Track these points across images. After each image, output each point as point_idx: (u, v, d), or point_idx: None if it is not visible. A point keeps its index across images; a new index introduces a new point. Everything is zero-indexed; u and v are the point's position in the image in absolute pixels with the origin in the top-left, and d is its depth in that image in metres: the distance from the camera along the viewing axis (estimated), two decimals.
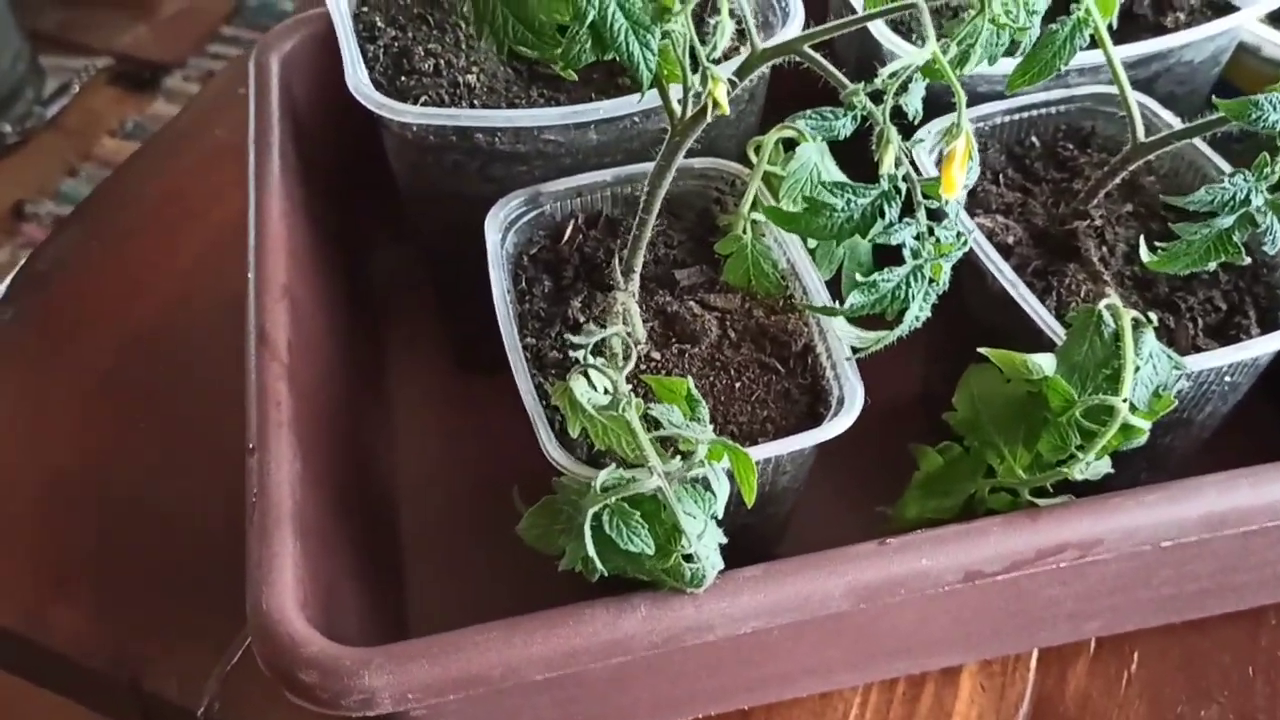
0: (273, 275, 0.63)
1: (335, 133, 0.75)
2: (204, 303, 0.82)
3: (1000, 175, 0.69)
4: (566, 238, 0.66)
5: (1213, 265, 0.54)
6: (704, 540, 0.49)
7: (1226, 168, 0.64)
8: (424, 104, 0.67)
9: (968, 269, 0.63)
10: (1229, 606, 0.66)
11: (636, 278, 0.59)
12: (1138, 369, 0.55)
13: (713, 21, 0.57)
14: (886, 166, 0.47)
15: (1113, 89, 0.68)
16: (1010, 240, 0.64)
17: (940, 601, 0.57)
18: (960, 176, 0.47)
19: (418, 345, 0.80)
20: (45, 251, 0.87)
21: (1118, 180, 0.65)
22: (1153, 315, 0.56)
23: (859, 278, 0.49)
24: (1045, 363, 0.57)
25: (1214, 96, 0.65)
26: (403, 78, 0.68)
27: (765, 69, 0.67)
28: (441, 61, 0.69)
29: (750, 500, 0.50)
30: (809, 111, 0.48)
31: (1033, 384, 0.56)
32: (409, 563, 0.69)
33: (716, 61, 0.52)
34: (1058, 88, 0.70)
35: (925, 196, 0.49)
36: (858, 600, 0.51)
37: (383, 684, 0.48)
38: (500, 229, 0.64)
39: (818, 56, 0.51)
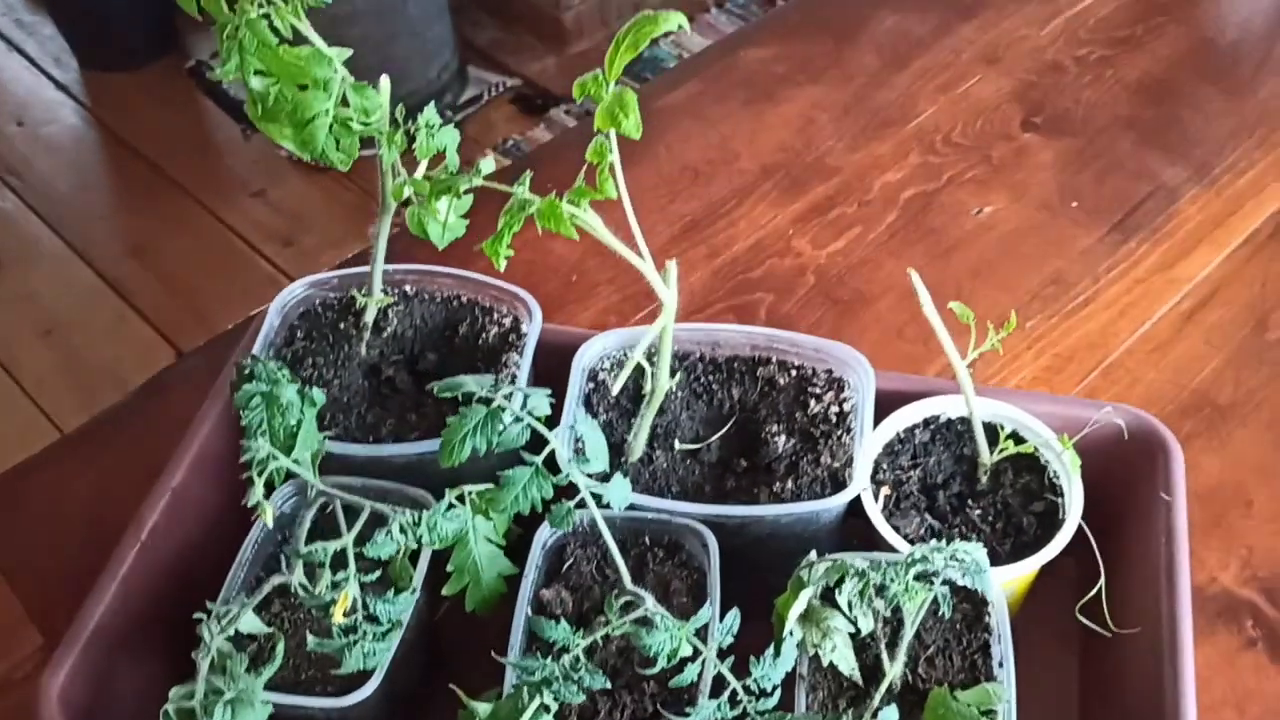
0: (167, 477, 1.08)
1: None
2: None
3: (598, 561, 1.00)
4: None
5: None
6: None
7: None
8: None
9: None
10: None
11: None
12: None
13: None
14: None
15: (693, 523, 0.98)
16: (559, 612, 0.96)
17: None
18: (339, 610, 0.83)
19: None
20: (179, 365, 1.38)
21: None
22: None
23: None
24: (482, 709, 0.90)
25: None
26: None
27: None
28: (318, 373, 1.10)
29: None
30: None
31: None
32: None
33: None
34: (664, 511, 0.99)
35: None
36: None
37: None
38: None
39: None
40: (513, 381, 1.08)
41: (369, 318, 1.11)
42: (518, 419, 0.88)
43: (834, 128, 1.57)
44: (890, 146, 1.55)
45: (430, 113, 0.99)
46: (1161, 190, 1.46)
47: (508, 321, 1.13)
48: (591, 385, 1.08)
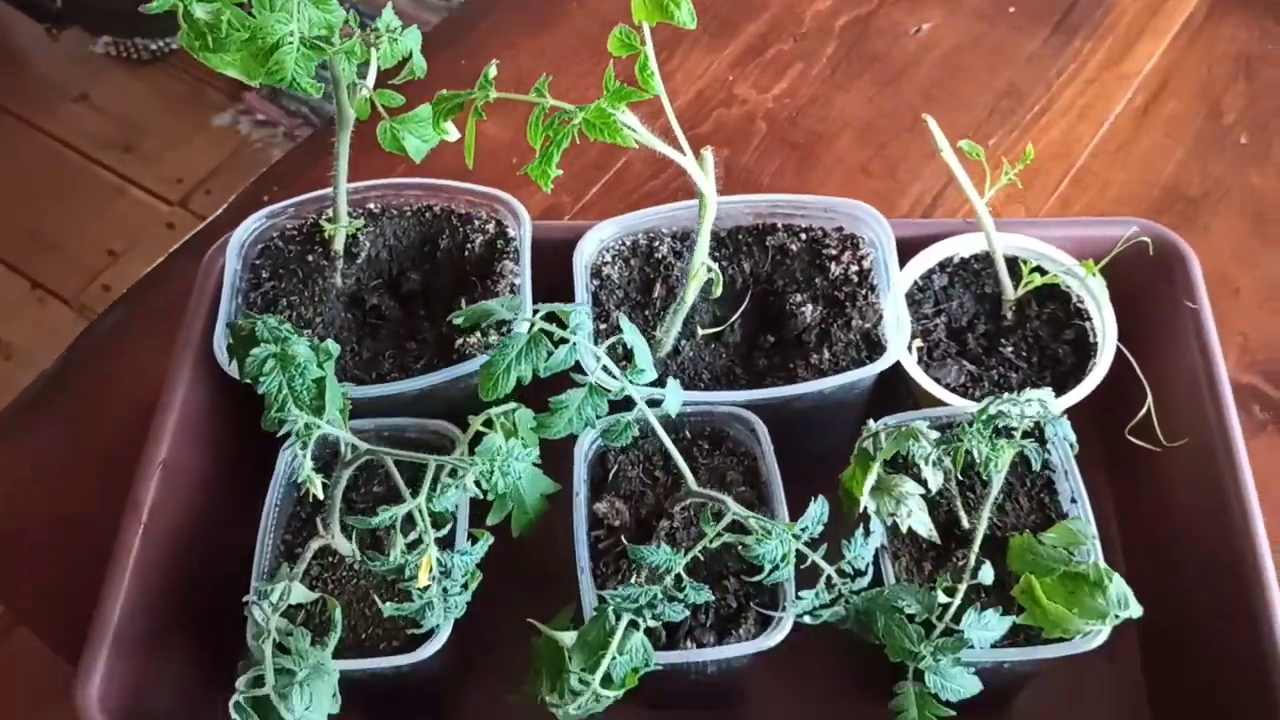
0: (153, 451, 0.98)
1: None
2: None
3: (644, 465, 0.96)
4: None
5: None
6: None
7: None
8: None
9: None
10: None
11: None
12: (614, 657, 0.84)
13: None
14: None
15: (738, 410, 0.94)
16: (617, 523, 0.93)
17: None
18: (424, 574, 0.78)
19: None
20: (98, 325, 1.26)
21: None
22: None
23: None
24: (568, 638, 0.86)
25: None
26: None
27: None
28: (295, 314, 1.01)
29: None
30: None
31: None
32: None
33: None
34: (703, 403, 0.95)
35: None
36: None
37: None
38: None
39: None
40: (513, 291, 1.01)
41: (339, 245, 1.02)
42: (563, 340, 0.82)
43: None
44: None
45: (389, 16, 0.89)
46: None
47: (491, 227, 1.05)
48: (597, 283, 1.01)
